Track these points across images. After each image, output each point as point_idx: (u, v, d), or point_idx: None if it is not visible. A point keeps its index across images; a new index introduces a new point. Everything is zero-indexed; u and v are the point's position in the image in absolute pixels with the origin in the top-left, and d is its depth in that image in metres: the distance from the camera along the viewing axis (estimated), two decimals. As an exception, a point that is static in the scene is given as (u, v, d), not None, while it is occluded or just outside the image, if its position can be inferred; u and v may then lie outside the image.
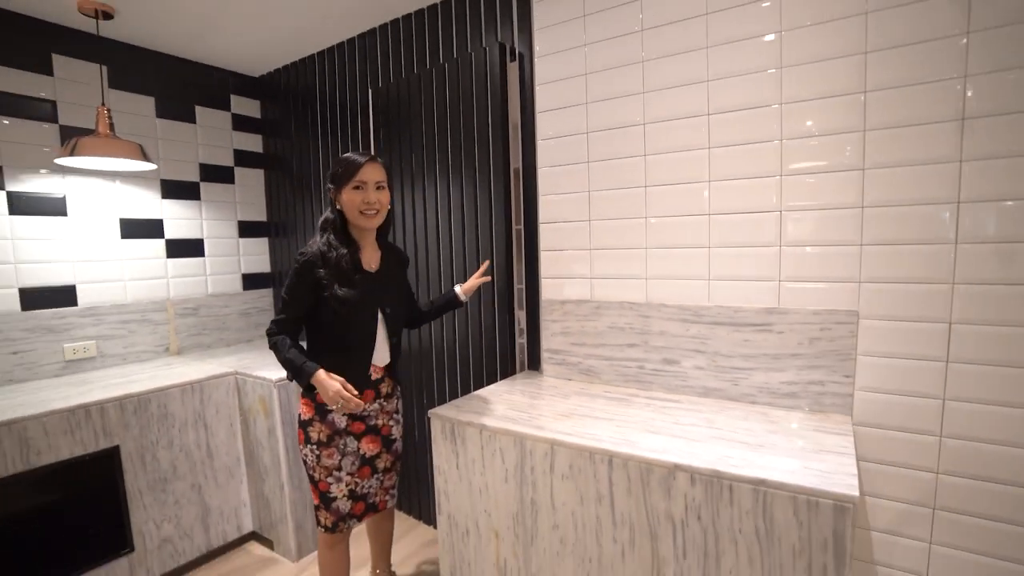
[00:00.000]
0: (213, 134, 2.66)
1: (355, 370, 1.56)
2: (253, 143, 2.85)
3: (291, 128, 2.75)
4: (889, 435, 1.37)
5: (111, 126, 2.04)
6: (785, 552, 1.07)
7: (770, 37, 1.42)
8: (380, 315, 1.60)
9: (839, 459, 1.14)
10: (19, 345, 2.09)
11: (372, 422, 1.64)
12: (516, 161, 1.96)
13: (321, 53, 2.55)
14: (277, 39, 2.39)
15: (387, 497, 1.74)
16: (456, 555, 1.60)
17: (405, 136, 2.18)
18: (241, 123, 2.79)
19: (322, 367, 1.48)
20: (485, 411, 1.56)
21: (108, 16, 2.06)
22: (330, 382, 1.45)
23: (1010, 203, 1.19)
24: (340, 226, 1.54)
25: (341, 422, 1.58)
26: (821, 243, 1.41)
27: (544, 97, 1.85)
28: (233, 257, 2.76)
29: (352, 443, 1.61)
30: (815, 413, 1.44)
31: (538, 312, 1.97)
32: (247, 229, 2.83)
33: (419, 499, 2.39)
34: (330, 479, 1.59)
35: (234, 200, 2.76)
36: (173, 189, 2.52)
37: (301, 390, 1.59)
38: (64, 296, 2.20)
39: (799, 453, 1.19)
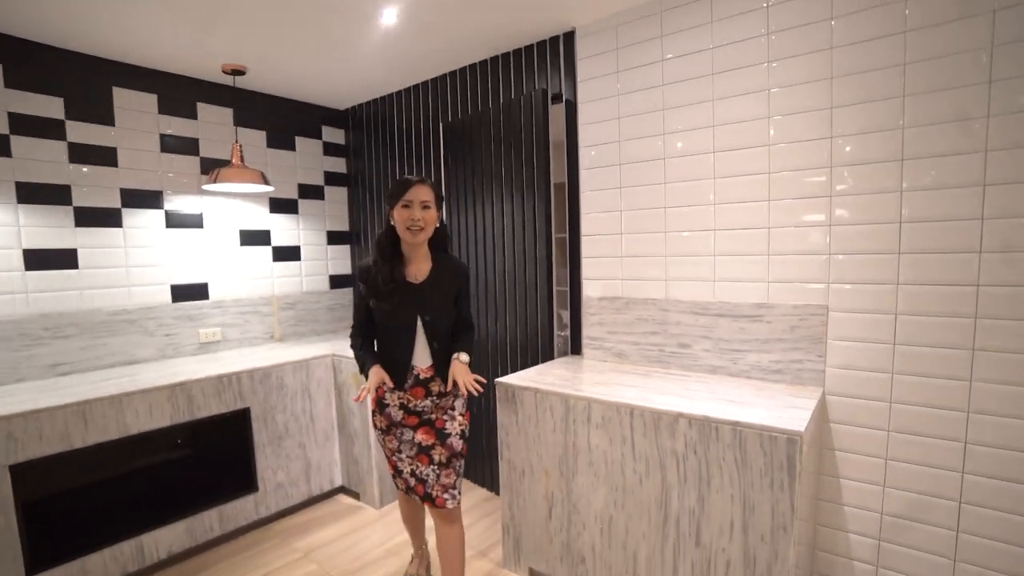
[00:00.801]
0: (307, 159, 3.30)
1: (397, 367, 1.82)
2: (339, 165, 3.48)
3: (370, 152, 3.35)
4: (852, 402, 1.81)
5: (242, 158, 2.67)
6: (755, 473, 1.54)
7: (760, 94, 1.89)
8: (420, 322, 1.81)
9: (798, 412, 1.60)
10: (169, 329, 2.74)
11: (426, 416, 1.86)
12: (560, 177, 2.48)
13: (398, 92, 3.14)
14: (362, 83, 2.98)
15: (445, 495, 1.84)
16: (513, 492, 2.11)
17: (468, 161, 2.73)
18: (329, 149, 3.42)
19: (378, 363, 1.82)
20: (538, 380, 2.07)
21: (240, 73, 2.69)
22: (374, 377, 1.78)
23: (939, 223, 1.62)
24: (389, 242, 1.80)
25: (397, 415, 1.86)
26: (799, 252, 1.86)
27: (586, 135, 2.36)
28: (322, 261, 3.39)
29: (408, 433, 1.86)
30: (794, 385, 1.89)
31: (580, 307, 2.48)
32: (333, 238, 3.45)
33: (485, 470, 2.93)
34: (395, 457, 1.90)
35: (323, 213, 3.39)
36: (278, 205, 3.15)
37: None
38: (200, 292, 2.85)
39: (770, 408, 1.65)
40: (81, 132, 2.44)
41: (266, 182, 2.69)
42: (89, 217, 2.47)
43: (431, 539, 2.29)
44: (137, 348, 2.63)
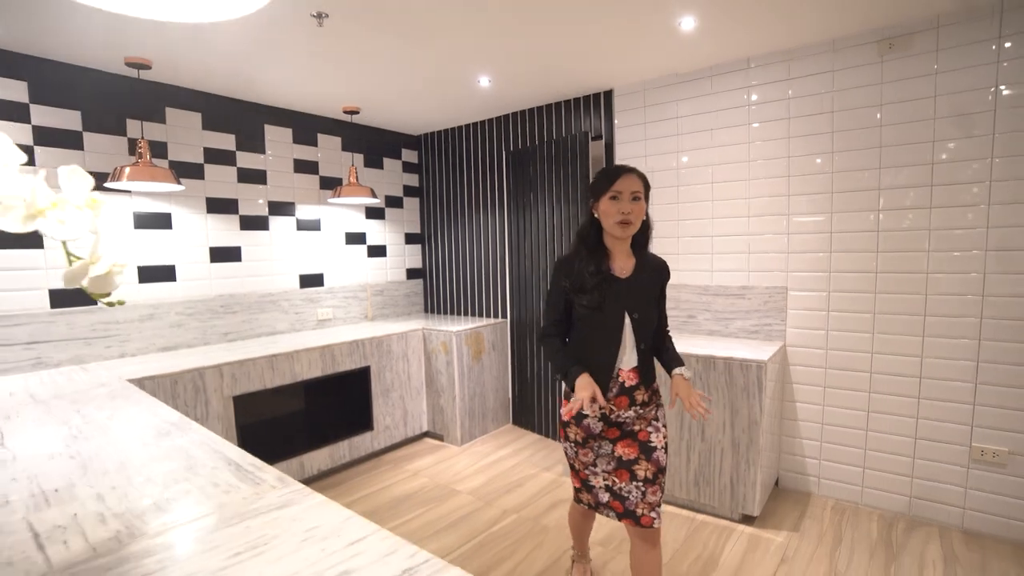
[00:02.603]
0: (391, 175, 4.32)
1: (601, 370, 1.73)
2: (414, 180, 4.51)
3: (439, 171, 4.39)
4: (804, 350, 2.87)
5: (357, 177, 3.69)
6: (738, 389, 2.59)
7: (743, 145, 2.95)
8: (628, 320, 1.74)
9: (765, 353, 2.66)
10: (298, 308, 3.75)
11: (629, 428, 1.80)
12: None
13: (467, 125, 4.17)
14: (438, 116, 4.01)
15: (652, 514, 1.75)
16: (573, 419, 3.15)
17: (527, 180, 3.76)
18: (407, 167, 4.45)
19: (586, 372, 1.68)
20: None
21: (356, 112, 3.71)
22: (585, 390, 1.62)
23: (851, 233, 2.68)
24: (593, 235, 1.77)
25: (596, 427, 1.79)
26: (768, 251, 2.92)
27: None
28: (401, 257, 4.43)
29: (607, 446, 1.81)
30: (766, 340, 2.95)
31: (613, 291, 3.53)
32: (410, 239, 4.49)
33: (550, 422, 3.97)
34: (587, 471, 1.85)
35: (403, 219, 4.42)
36: (371, 212, 4.18)
37: (563, 392, 1.87)
38: (318, 280, 3.86)
39: (749, 351, 2.70)
40: (245, 159, 3.44)
41: (374, 195, 3.70)
42: (248, 222, 3.48)
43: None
44: (276, 322, 3.64)
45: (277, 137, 3.59)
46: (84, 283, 0.82)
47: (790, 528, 2.62)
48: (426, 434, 3.95)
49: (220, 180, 3.33)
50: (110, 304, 0.89)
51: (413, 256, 4.56)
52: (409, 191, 4.49)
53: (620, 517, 1.80)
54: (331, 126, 3.87)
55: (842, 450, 2.81)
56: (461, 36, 2.53)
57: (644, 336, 1.77)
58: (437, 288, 4.61)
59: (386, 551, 0.87)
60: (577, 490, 1.93)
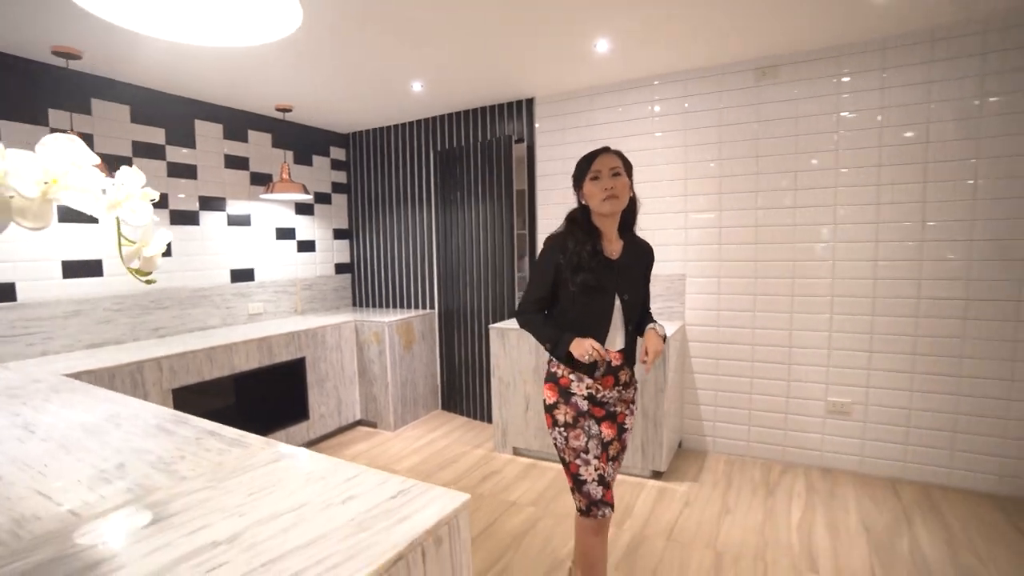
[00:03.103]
0: (320, 172, 4.45)
1: None
2: (342, 177, 4.66)
3: (367, 168, 4.57)
4: (700, 328, 3.39)
5: (289, 173, 3.81)
6: (646, 361, 3.04)
7: (648, 151, 3.42)
8: (618, 301, 1.77)
9: (668, 331, 3.13)
10: (229, 303, 3.81)
11: (611, 408, 1.82)
12: (521, 184, 3.89)
13: (395, 125, 4.39)
14: (367, 116, 4.20)
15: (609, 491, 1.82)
16: (502, 398, 3.49)
17: (454, 179, 4.06)
18: (335, 164, 4.59)
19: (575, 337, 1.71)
20: (514, 326, 3.44)
21: (289, 110, 3.83)
22: (585, 342, 1.65)
23: (735, 227, 3.22)
24: (583, 218, 1.81)
25: (583, 405, 1.78)
26: (671, 244, 3.42)
27: (541, 165, 3.79)
28: (330, 252, 4.56)
29: (594, 426, 1.79)
30: (668, 321, 3.44)
31: (537, 282, 3.90)
32: (338, 234, 4.63)
33: (477, 405, 4.27)
34: (578, 461, 1.77)
35: (331, 215, 4.56)
36: (301, 208, 4.29)
37: (545, 377, 1.87)
38: (249, 275, 3.93)
39: (656, 329, 3.17)
40: (175, 153, 3.47)
41: (307, 192, 3.84)
42: (179, 217, 3.51)
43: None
44: (208, 317, 3.69)
45: (207, 132, 3.64)
46: (135, 264, 1.04)
47: (691, 479, 3.12)
48: (359, 422, 4.14)
49: (149, 174, 3.33)
50: (149, 282, 1.10)
51: (341, 251, 4.70)
52: (337, 188, 4.63)
53: (612, 505, 1.79)
54: (262, 123, 3.96)
55: (732, 412, 3.35)
56: (397, 46, 2.79)
57: (632, 317, 1.81)
58: (365, 282, 4.78)
59: (379, 481, 1.12)
60: (572, 492, 1.82)
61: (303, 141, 4.30)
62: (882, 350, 2.94)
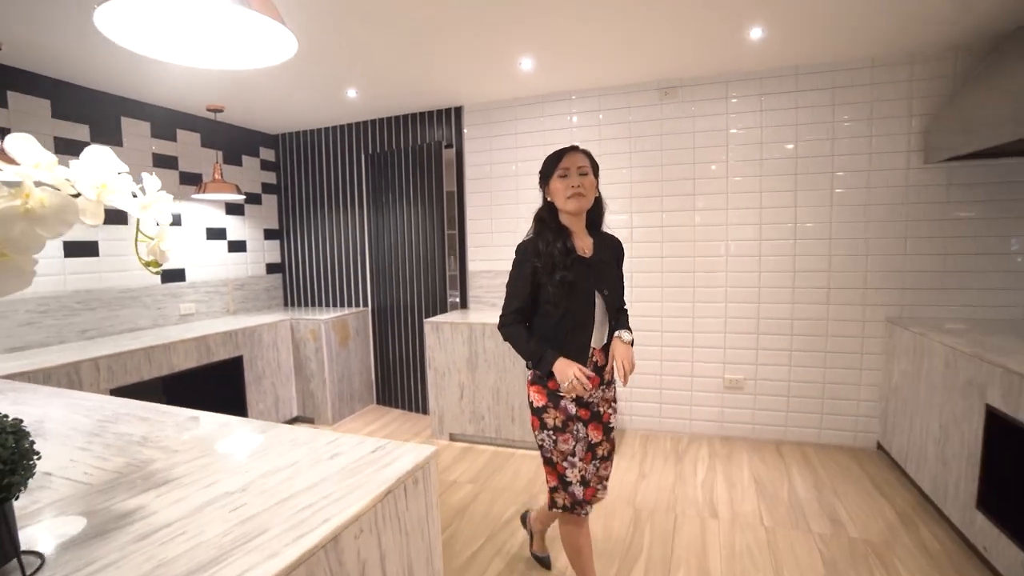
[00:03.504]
0: (250, 172, 4.49)
1: (579, 351, 1.74)
2: (271, 178, 4.71)
3: (296, 169, 4.66)
4: (640, 319, 3.79)
5: (221, 173, 3.86)
6: (570, 348, 3.41)
7: (569, 137, 3.79)
8: (599, 298, 1.77)
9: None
10: (160, 304, 3.81)
11: (595, 409, 1.83)
12: (451, 186, 4.15)
13: (325, 128, 4.51)
14: (296, 118, 4.31)
15: (600, 487, 1.87)
16: (438, 387, 3.74)
17: (386, 181, 4.25)
18: (264, 165, 4.63)
19: (561, 356, 1.67)
20: (449, 319, 3.72)
21: (220, 111, 3.87)
22: (569, 368, 1.64)
23: (675, 231, 3.66)
24: (550, 217, 1.79)
25: (571, 408, 1.78)
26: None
27: (470, 169, 4.07)
28: (260, 252, 4.60)
29: (582, 429, 1.80)
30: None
31: (467, 278, 4.18)
32: (269, 234, 4.68)
33: (412, 397, 4.47)
34: (566, 463, 1.78)
35: (261, 215, 4.60)
36: (231, 208, 4.32)
37: (530, 378, 1.85)
38: (179, 275, 3.94)
39: (577, 319, 3.54)
40: (100, 154, 3.44)
41: (240, 192, 3.91)
42: (106, 216, 3.47)
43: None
44: (138, 318, 3.68)
45: (135, 130, 3.63)
46: (150, 256, 1.24)
47: (609, 452, 3.53)
48: (297, 418, 4.25)
49: (74, 174, 3.31)
50: (158, 273, 1.30)
51: (272, 251, 4.76)
52: (267, 188, 4.69)
53: (592, 502, 1.84)
54: (191, 122, 3.97)
55: (646, 392, 3.79)
56: (335, 57, 2.98)
57: (613, 313, 1.81)
58: (296, 282, 4.86)
59: (357, 442, 1.37)
60: (553, 490, 1.83)
61: (233, 141, 4.33)
62: (767, 332, 3.47)
